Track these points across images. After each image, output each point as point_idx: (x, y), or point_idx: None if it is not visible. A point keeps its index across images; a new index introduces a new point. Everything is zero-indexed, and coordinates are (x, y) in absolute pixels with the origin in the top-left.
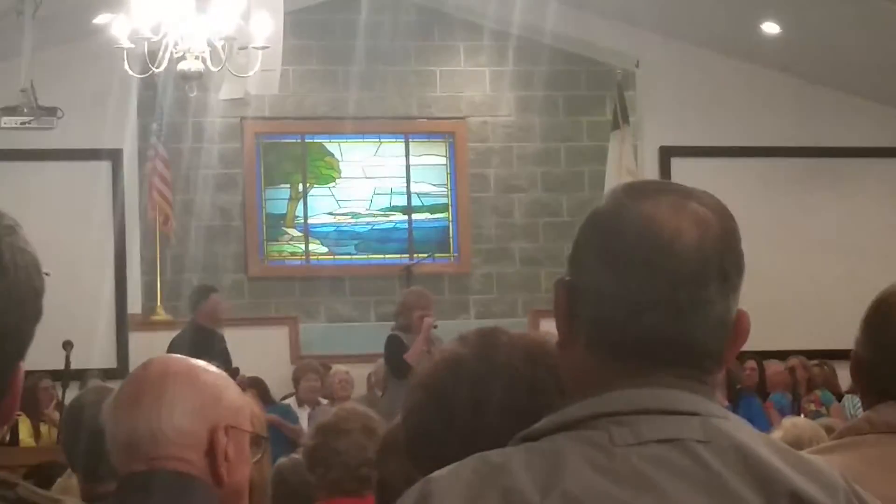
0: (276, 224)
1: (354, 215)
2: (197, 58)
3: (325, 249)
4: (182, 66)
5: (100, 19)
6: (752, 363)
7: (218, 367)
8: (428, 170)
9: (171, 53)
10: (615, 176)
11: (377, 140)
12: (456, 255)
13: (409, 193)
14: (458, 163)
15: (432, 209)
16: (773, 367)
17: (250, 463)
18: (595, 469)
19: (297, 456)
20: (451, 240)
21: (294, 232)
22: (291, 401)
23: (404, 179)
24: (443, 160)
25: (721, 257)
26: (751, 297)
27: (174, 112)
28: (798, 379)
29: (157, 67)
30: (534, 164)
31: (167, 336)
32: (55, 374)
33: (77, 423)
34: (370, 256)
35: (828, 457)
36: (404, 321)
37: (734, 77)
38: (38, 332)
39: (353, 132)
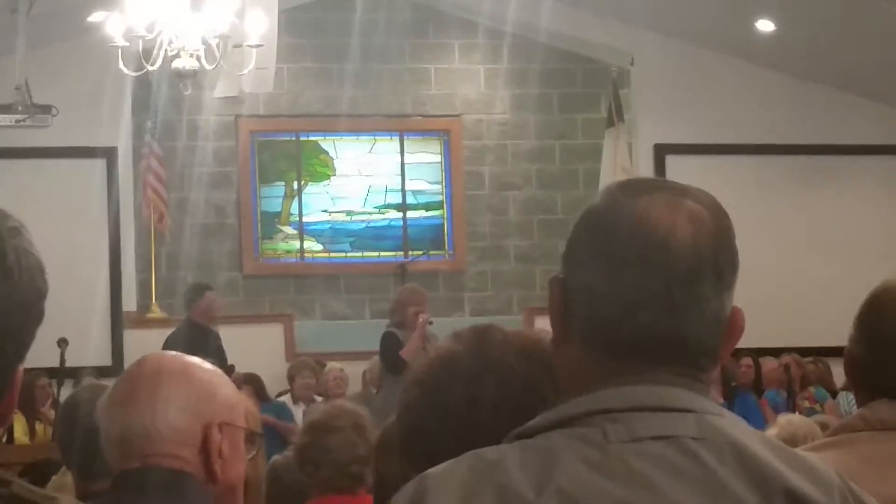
0: (271, 222)
1: (349, 213)
2: (191, 56)
3: (319, 247)
4: (176, 63)
5: (94, 17)
6: (748, 360)
7: (213, 364)
8: (423, 167)
9: (166, 51)
10: (610, 173)
11: (372, 138)
12: (451, 252)
13: (403, 191)
14: (453, 160)
15: (427, 207)
16: (767, 364)
17: (245, 460)
18: (590, 466)
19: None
20: (445, 237)
21: (289, 229)
22: (286, 398)
23: (399, 177)
24: (437, 158)
25: (715, 254)
26: (745, 294)
27: (169, 110)
28: (792, 376)
29: (151, 65)
30: (528, 162)
31: (162, 334)
32: (50, 372)
33: (72, 421)
34: (365, 254)
35: (822, 454)
36: (399, 318)
37: (729, 74)
38: None
39: (348, 130)
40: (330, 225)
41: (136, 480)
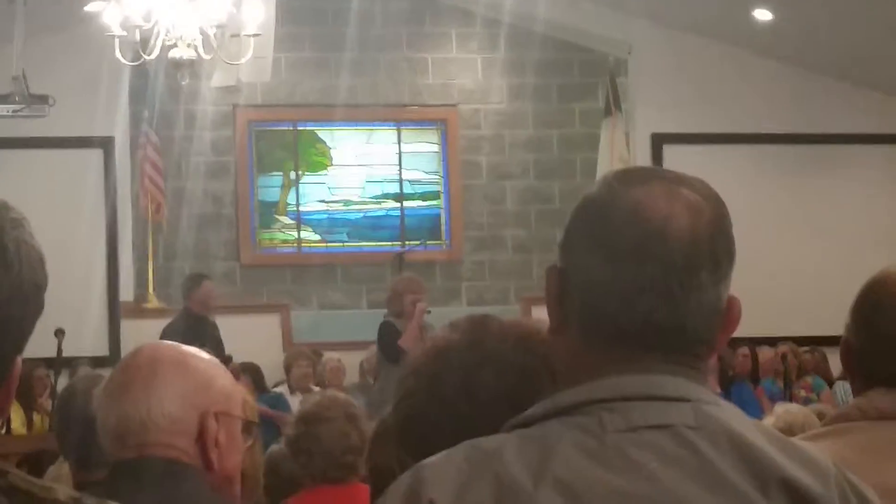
0: (269, 211)
1: (346, 203)
2: (189, 45)
3: (317, 237)
4: (174, 53)
5: (91, 7)
6: (744, 350)
7: (210, 354)
8: (420, 157)
9: (163, 41)
10: (607, 163)
11: (369, 127)
12: (448, 242)
13: (400, 181)
14: (450, 150)
15: (424, 196)
16: (764, 353)
17: (242, 449)
18: (587, 455)
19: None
20: (442, 227)
21: (286, 219)
22: (283, 388)
23: (396, 167)
24: (435, 147)
25: (713, 243)
26: (742, 283)
27: (166, 100)
28: (789, 365)
29: (148, 55)
30: (526, 152)
31: (159, 324)
32: (47, 362)
33: (68, 411)
34: (362, 244)
35: (819, 443)
36: (396, 307)
37: (726, 64)
38: None
39: (345, 119)
40: (327, 215)
41: (132, 470)
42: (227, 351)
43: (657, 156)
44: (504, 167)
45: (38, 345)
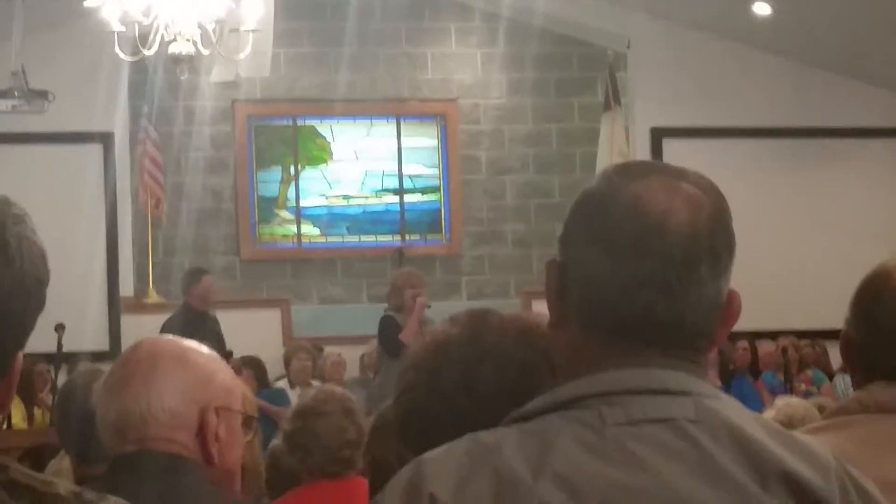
0: (268, 206)
1: (346, 197)
2: (188, 40)
3: (316, 231)
4: (173, 48)
5: (90, 2)
6: (744, 343)
7: (210, 349)
8: (419, 152)
9: (162, 36)
10: (607, 157)
11: (368, 122)
12: (447, 236)
13: (400, 175)
14: (450, 145)
15: (424, 191)
16: (764, 347)
17: (242, 444)
18: (586, 449)
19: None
20: (442, 221)
21: (286, 214)
22: (284, 382)
23: (396, 161)
24: (434, 142)
25: (712, 237)
26: (742, 277)
27: (165, 95)
28: (789, 359)
29: (147, 50)
30: (525, 146)
31: (159, 318)
32: (47, 357)
33: (69, 406)
34: (362, 238)
35: (819, 436)
36: (397, 302)
37: (725, 58)
38: None
39: (345, 114)
40: (327, 209)
41: (132, 464)
42: (228, 346)
43: (657, 150)
44: (503, 161)
45: (39, 340)
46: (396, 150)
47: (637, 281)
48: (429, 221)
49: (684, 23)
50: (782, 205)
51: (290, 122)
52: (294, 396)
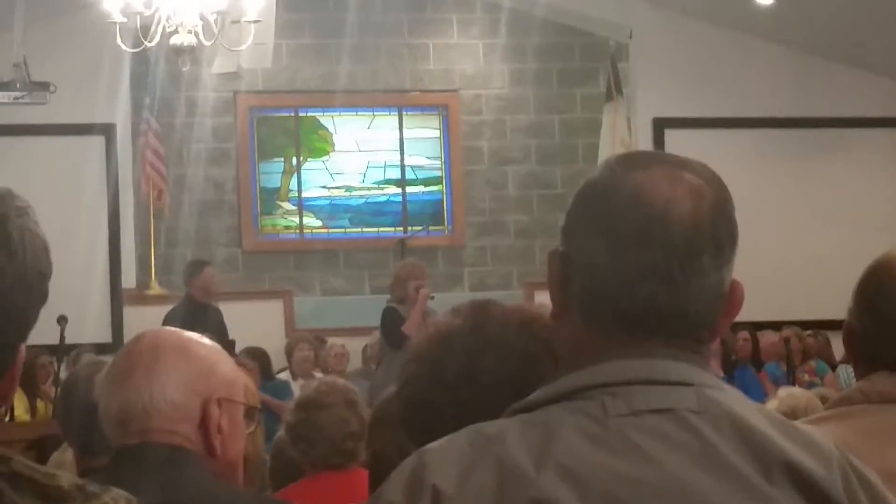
0: (270, 198)
1: (348, 189)
2: (189, 32)
3: (319, 223)
4: (174, 40)
5: None
6: (744, 334)
7: (213, 340)
8: (421, 143)
9: (164, 27)
10: (609, 148)
11: (370, 113)
12: (450, 227)
13: (402, 166)
14: (452, 136)
15: (426, 182)
16: (767, 337)
17: (244, 435)
18: (589, 440)
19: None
20: (444, 212)
21: (288, 206)
22: (286, 374)
23: (398, 152)
24: (436, 133)
25: (715, 227)
26: (745, 267)
27: (167, 86)
28: (792, 349)
29: (149, 42)
30: (527, 137)
31: (161, 310)
32: (50, 349)
33: (71, 398)
34: (364, 230)
35: (821, 427)
36: (400, 293)
37: (728, 48)
38: None
39: (347, 105)
40: (329, 201)
41: (134, 456)
42: (230, 337)
43: (659, 140)
44: (505, 152)
45: (41, 332)
46: (398, 141)
47: (639, 271)
48: (431, 213)
49: (686, 12)
50: (784, 195)
51: (292, 114)
52: (296, 388)
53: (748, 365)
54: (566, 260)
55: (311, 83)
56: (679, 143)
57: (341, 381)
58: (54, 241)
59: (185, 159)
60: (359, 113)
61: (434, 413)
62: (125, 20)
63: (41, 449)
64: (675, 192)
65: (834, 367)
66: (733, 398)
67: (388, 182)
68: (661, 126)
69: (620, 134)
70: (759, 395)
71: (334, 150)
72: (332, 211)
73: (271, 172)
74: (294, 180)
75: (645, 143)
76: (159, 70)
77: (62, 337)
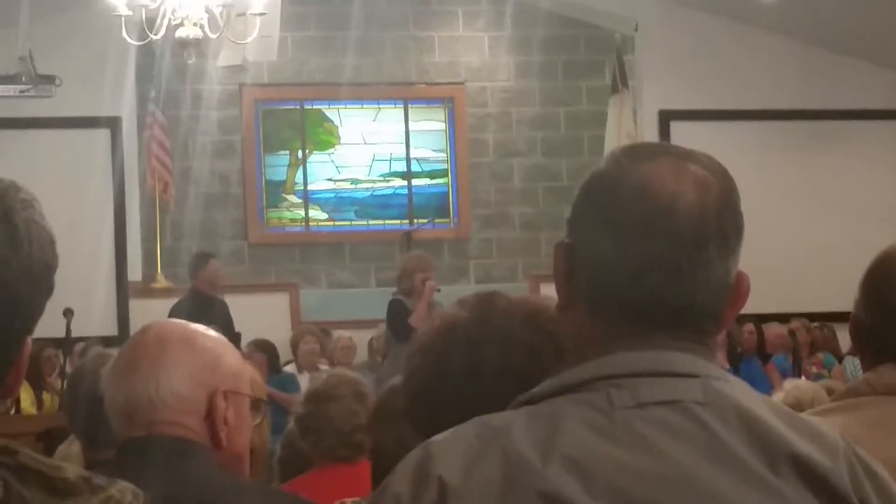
0: (276, 190)
1: (354, 181)
2: (195, 25)
3: (324, 216)
4: (180, 33)
5: None
6: (749, 326)
7: (218, 332)
8: (427, 135)
9: (169, 20)
10: (614, 140)
11: (376, 106)
12: (455, 220)
13: (408, 159)
14: (457, 128)
15: (432, 175)
16: (773, 329)
17: (250, 427)
18: (595, 432)
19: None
20: (450, 205)
21: (294, 198)
22: (292, 367)
23: (403, 145)
24: (442, 125)
25: (721, 219)
26: (751, 259)
27: (172, 79)
28: (799, 341)
29: (154, 35)
30: (533, 129)
31: (167, 303)
32: (56, 342)
33: (78, 391)
34: (370, 222)
35: (827, 418)
36: (406, 285)
37: (733, 40)
38: None
39: (352, 98)
40: (335, 193)
41: (140, 448)
42: (236, 330)
43: (664, 132)
44: (511, 145)
45: (47, 325)
46: (404, 133)
47: (645, 263)
48: (437, 205)
49: (691, 5)
50: (789, 186)
51: (298, 106)
52: (303, 381)
53: (754, 357)
54: (572, 252)
55: (317, 76)
56: (684, 135)
57: (351, 374)
58: (60, 234)
59: (191, 152)
60: (364, 106)
61: (439, 405)
62: (130, 13)
63: (47, 441)
64: (681, 184)
65: (841, 359)
66: (739, 390)
67: (394, 175)
68: (666, 118)
69: (626, 126)
70: (764, 388)
71: (340, 143)
72: (337, 204)
73: (277, 165)
74: (300, 173)
75: (650, 135)
76: (165, 63)
77: (68, 330)
